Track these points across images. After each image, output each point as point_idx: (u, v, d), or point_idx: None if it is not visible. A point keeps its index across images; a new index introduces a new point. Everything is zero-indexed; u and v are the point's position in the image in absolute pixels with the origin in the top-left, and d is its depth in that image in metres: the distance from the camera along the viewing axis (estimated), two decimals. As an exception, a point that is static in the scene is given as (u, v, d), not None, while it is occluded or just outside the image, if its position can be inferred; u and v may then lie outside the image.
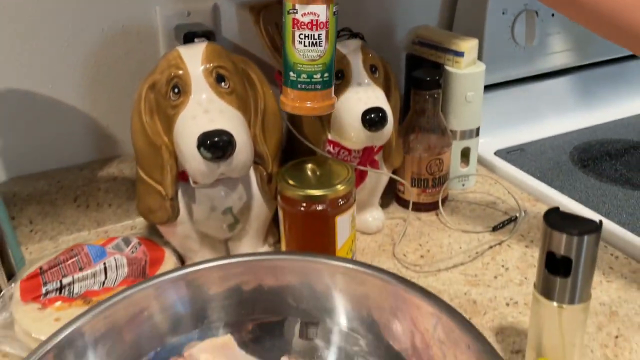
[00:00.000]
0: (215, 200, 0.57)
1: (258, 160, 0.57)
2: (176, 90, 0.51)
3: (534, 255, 0.64)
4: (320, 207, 0.55)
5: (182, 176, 0.55)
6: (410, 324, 0.42)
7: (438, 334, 0.40)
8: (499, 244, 0.66)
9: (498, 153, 0.84)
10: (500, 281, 0.60)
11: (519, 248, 0.65)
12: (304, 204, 0.55)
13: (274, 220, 0.63)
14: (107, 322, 0.41)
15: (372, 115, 0.56)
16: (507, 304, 0.57)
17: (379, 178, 0.67)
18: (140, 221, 0.73)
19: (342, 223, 0.56)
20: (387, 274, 0.43)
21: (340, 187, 0.55)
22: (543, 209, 0.72)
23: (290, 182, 0.55)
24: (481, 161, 0.82)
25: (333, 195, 0.55)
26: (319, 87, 0.50)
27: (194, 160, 0.49)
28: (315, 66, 0.49)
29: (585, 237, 0.37)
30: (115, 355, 0.41)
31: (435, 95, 0.68)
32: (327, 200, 0.55)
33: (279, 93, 0.54)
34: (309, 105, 0.51)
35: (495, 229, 0.68)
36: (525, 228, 0.69)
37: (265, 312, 0.45)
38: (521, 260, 0.63)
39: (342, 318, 0.44)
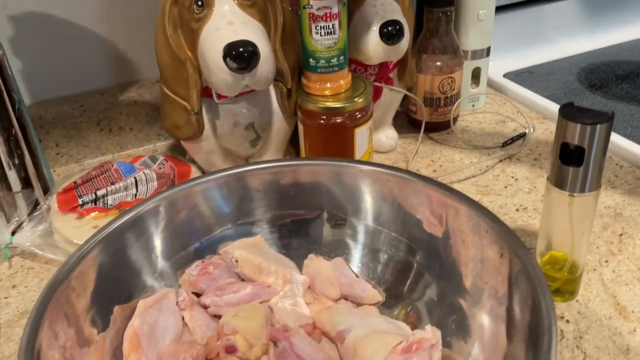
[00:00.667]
0: (239, 116, 0.59)
1: (277, 77, 0.59)
2: (200, 2, 0.52)
3: (542, 167, 0.67)
4: (339, 120, 0.57)
5: (206, 92, 0.57)
6: (432, 217, 0.45)
7: (458, 223, 0.43)
8: (509, 157, 0.69)
9: (507, 75, 0.85)
10: (510, 190, 0.63)
11: (527, 161, 0.68)
12: (324, 117, 0.57)
13: (292, 141, 0.66)
14: (164, 210, 0.44)
15: (390, 28, 0.58)
16: (517, 210, 0.60)
17: (393, 97, 0.69)
18: (161, 145, 0.75)
19: (361, 135, 0.58)
20: (409, 173, 0.46)
21: (358, 100, 0.57)
22: (551, 126, 0.75)
23: (311, 93, 0.57)
24: (490, 84, 0.84)
25: (352, 108, 0.57)
26: (336, 69, 0.57)
27: (219, 71, 0.51)
28: (332, 52, 0.56)
29: (598, 127, 0.40)
30: (168, 241, 0.44)
31: (448, 13, 0.69)
32: (346, 113, 0.57)
33: (296, 10, 0.56)
34: (328, 85, 0.57)
35: (505, 144, 0.71)
36: (534, 143, 0.71)
37: (301, 208, 0.48)
38: (530, 172, 0.66)
39: (368, 215, 0.48)
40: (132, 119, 0.73)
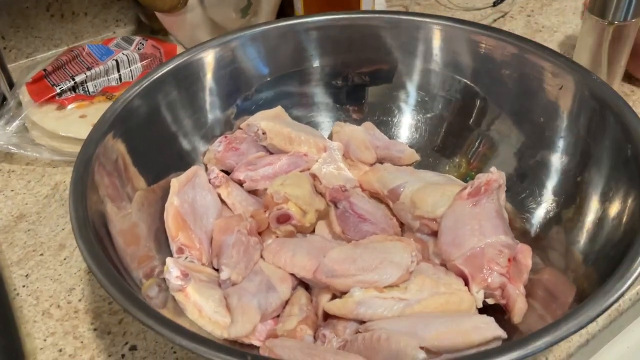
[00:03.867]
0: (227, -21, 0.52)
1: None
2: None
3: (537, 22, 0.65)
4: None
5: (188, -50, 0.49)
6: (486, 59, 0.42)
7: (511, 64, 0.40)
8: (502, 16, 0.67)
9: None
10: (511, 47, 0.61)
11: (521, 18, 0.66)
12: (326, -28, 0.51)
13: (279, 13, 0.60)
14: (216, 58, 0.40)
15: None
16: (523, 65, 0.58)
17: (382, -44, 0.64)
18: (121, 32, 0.66)
19: (366, -8, 0.53)
20: (452, 20, 0.43)
21: (361, -48, 0.52)
22: (536, -17, 0.73)
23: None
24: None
25: (355, -39, 0.51)
26: None
27: None
28: None
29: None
30: (218, 88, 0.40)
31: None
32: (350, -33, 0.51)
33: None
34: None
35: (495, 4, 0.68)
36: (523, 0, 0.69)
37: (350, 60, 0.44)
38: (527, 28, 0.64)
39: (418, 65, 0.44)
40: (86, 2, 0.63)
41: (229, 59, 0.40)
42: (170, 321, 0.26)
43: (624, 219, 0.30)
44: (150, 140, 0.37)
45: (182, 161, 0.41)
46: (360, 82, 0.45)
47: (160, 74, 0.36)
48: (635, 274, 0.26)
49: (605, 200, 0.33)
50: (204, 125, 0.40)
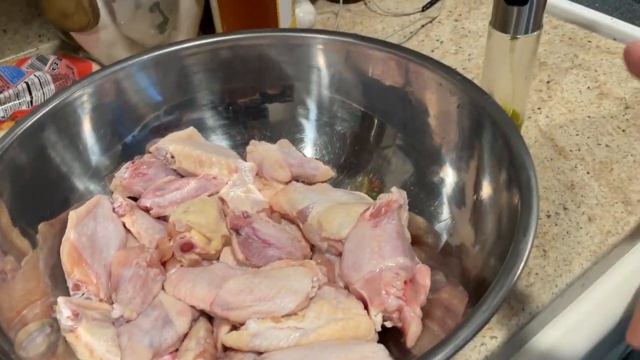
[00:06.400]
0: (139, -4, 0.51)
1: (177, -55, 0.51)
2: None
3: (465, 27, 0.66)
4: (258, -11, 0.51)
5: (95, -32, 0.48)
6: (381, 79, 0.42)
7: (409, 79, 0.40)
8: (430, 21, 0.67)
9: (415, -62, 0.81)
10: (437, 54, 0.62)
11: (449, 23, 0.66)
12: (240, -13, 0.51)
13: (202, 28, 0.59)
14: (93, 97, 0.38)
15: None
16: (448, 71, 0.59)
17: (306, -36, 0.63)
18: (45, 48, 0.64)
19: (283, 5, 0.53)
20: (353, 36, 0.42)
21: (275, -36, 0.51)
22: (465, -14, 0.73)
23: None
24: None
25: (269, -25, 0.51)
26: None
27: None
28: None
29: (543, -42, 0.38)
30: (99, 132, 0.38)
31: None
32: (264, -19, 0.51)
33: None
34: None
35: (424, 8, 0.68)
36: (452, 4, 0.69)
37: (242, 83, 0.43)
38: (453, 33, 0.65)
39: (317, 85, 0.44)
40: (5, 18, 0.61)
41: (112, 92, 0.39)
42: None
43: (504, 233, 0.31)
44: (36, 184, 0.36)
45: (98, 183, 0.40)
46: (262, 102, 0.44)
47: (35, 119, 0.34)
48: (501, 294, 0.26)
49: (496, 215, 0.33)
50: (91, 166, 0.39)
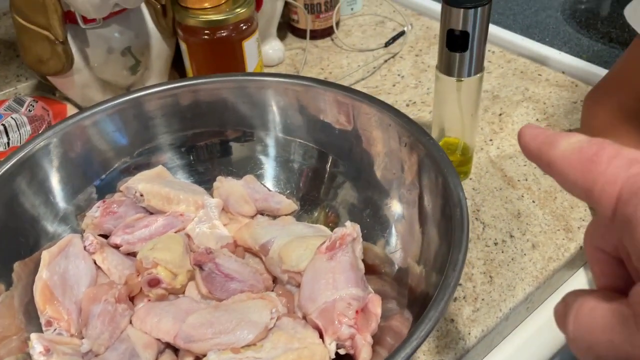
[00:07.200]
0: (112, 41, 0.53)
1: (148, -7, 0.54)
2: None
3: (424, 61, 0.69)
4: (224, 33, 0.54)
5: (69, 17, 0.51)
6: (338, 119, 0.45)
7: (362, 121, 0.44)
8: (393, 57, 0.71)
9: (379, -24, 0.85)
10: (398, 88, 0.65)
11: (410, 58, 0.70)
12: (207, 31, 0.54)
13: (175, 65, 0.62)
14: (55, 147, 0.40)
15: None
16: (407, 105, 0.62)
17: (274, 5, 0.67)
18: (23, 87, 0.67)
19: (249, 48, 0.56)
20: (307, 80, 0.45)
21: (241, 11, 0.54)
22: (427, 22, 0.77)
23: (189, 7, 0.53)
24: (365, -15, 0.84)
25: (235, 19, 0.54)
26: None
27: (82, -10, 0.45)
28: None
29: (479, 9, 0.41)
30: (65, 181, 0.40)
31: None
32: (231, 25, 0.54)
33: None
34: None
35: (387, 44, 0.72)
36: (413, 40, 0.73)
37: (205, 130, 0.46)
38: (414, 68, 0.68)
39: (277, 126, 0.47)
40: (-18, 61, 0.64)
41: (79, 139, 0.42)
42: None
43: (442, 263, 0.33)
44: (10, 227, 0.38)
45: (66, 226, 0.42)
46: (225, 141, 0.47)
47: (5, 168, 0.37)
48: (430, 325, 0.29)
49: (436, 246, 0.36)
50: (60, 210, 0.41)
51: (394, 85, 0.66)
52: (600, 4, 0.89)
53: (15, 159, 0.37)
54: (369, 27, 0.77)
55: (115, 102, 0.42)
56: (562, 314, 0.21)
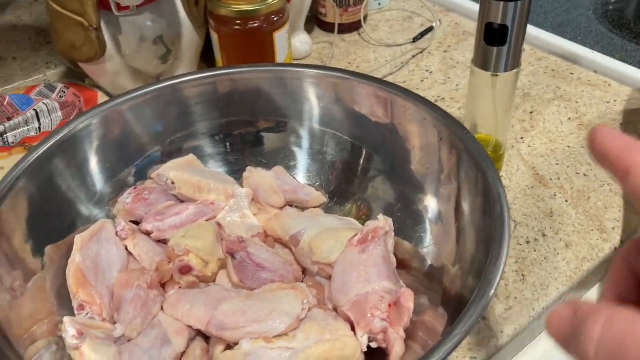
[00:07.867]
0: (144, 29, 0.54)
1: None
2: None
3: (453, 58, 0.69)
4: (256, 24, 0.54)
5: (103, 4, 0.51)
6: (374, 112, 0.44)
7: (398, 114, 0.43)
8: (421, 52, 0.70)
9: (408, -29, 0.84)
10: (426, 83, 0.65)
11: (438, 54, 0.70)
12: (239, 22, 0.54)
13: (204, 57, 0.62)
14: (98, 131, 0.41)
15: None
16: (436, 101, 0.62)
17: (303, -2, 0.66)
18: (52, 74, 0.67)
19: (280, 39, 0.56)
20: (344, 72, 0.45)
21: (273, 2, 0.54)
22: (455, 18, 0.76)
23: (222, -2, 0.53)
24: (393, -20, 0.83)
25: (267, 10, 0.54)
26: None
27: (119, -24, 0.45)
28: None
29: (520, 3, 0.41)
30: (102, 164, 0.40)
31: None
32: (262, 16, 0.54)
33: None
34: None
35: (415, 40, 0.71)
36: (442, 36, 0.73)
37: (238, 115, 0.46)
38: (442, 64, 0.68)
39: (313, 118, 0.46)
40: (14, 47, 0.64)
41: (117, 123, 0.42)
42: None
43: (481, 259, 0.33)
44: (45, 210, 0.38)
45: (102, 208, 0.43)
46: (258, 131, 0.47)
47: (44, 148, 0.37)
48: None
49: (473, 243, 0.36)
50: (96, 193, 0.41)
51: (422, 81, 0.65)
52: (629, 5, 0.88)
53: (57, 138, 0.37)
54: (397, 23, 0.76)
55: (153, 87, 0.42)
56: (568, 317, 0.20)
